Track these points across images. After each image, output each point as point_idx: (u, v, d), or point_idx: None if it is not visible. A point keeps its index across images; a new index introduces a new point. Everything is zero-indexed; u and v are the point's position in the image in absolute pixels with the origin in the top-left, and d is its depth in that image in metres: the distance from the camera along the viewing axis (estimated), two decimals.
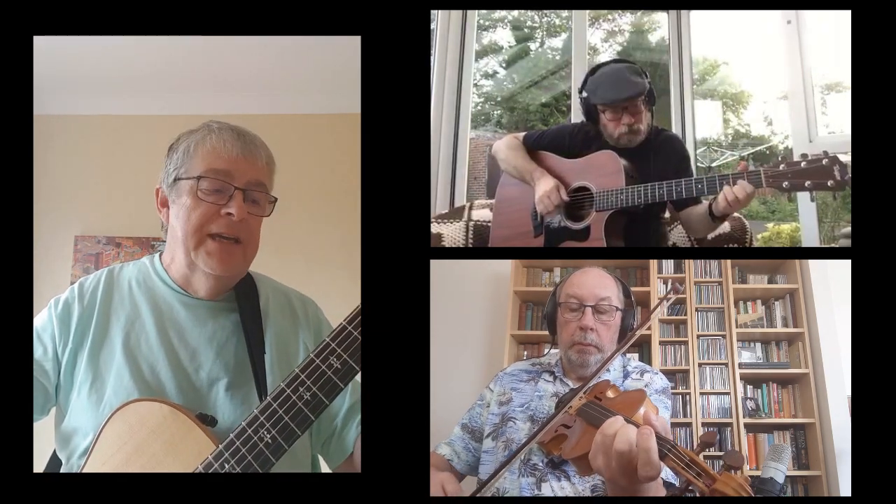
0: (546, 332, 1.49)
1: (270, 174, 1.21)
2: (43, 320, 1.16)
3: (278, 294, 1.27)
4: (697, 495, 0.82)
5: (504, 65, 3.45)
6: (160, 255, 1.24)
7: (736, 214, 1.89)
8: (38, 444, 1.11)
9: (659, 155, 1.69)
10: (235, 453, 0.97)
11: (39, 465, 1.14)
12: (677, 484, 0.94)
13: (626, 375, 1.39)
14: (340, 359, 0.96)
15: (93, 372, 1.13)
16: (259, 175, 1.17)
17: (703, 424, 2.48)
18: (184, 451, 1.01)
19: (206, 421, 1.06)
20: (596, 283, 1.40)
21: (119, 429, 1.05)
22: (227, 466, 0.97)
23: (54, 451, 1.16)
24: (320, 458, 1.26)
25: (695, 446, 0.87)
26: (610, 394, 1.17)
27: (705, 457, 0.88)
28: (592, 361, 1.34)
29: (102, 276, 1.22)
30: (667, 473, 0.99)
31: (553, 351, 1.48)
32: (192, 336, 1.16)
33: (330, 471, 1.24)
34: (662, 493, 0.86)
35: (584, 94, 1.72)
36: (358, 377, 1.00)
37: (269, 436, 0.96)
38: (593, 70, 1.74)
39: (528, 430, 1.32)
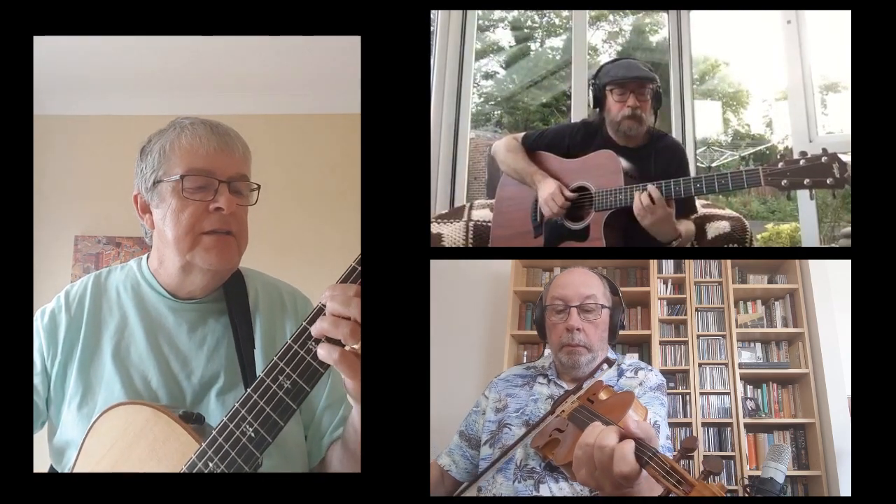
0: None
1: (248, 163, 1.19)
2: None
3: (268, 287, 1.25)
4: None
5: (504, 65, 3.44)
6: (147, 259, 1.21)
7: (735, 214, 1.89)
8: (36, 453, 1.10)
9: (659, 159, 1.69)
10: (219, 450, 0.95)
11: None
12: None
13: (620, 374, 1.38)
14: (319, 342, 0.90)
15: (83, 384, 1.11)
16: (238, 167, 1.15)
17: (704, 424, 2.48)
18: (168, 453, 1.00)
19: (192, 419, 1.04)
20: (580, 281, 1.39)
21: (103, 435, 1.04)
22: (211, 465, 0.95)
23: (52, 466, 1.15)
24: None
25: (675, 453, 0.88)
26: (602, 395, 1.17)
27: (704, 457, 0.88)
28: (583, 362, 1.34)
29: (89, 282, 1.20)
30: None
31: (546, 353, 1.48)
32: (182, 342, 1.14)
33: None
34: (657, 490, 0.85)
35: (595, 80, 1.76)
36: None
37: (251, 429, 0.93)
38: (609, 62, 1.79)
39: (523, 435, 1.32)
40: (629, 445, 0.86)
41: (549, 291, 1.42)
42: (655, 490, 0.86)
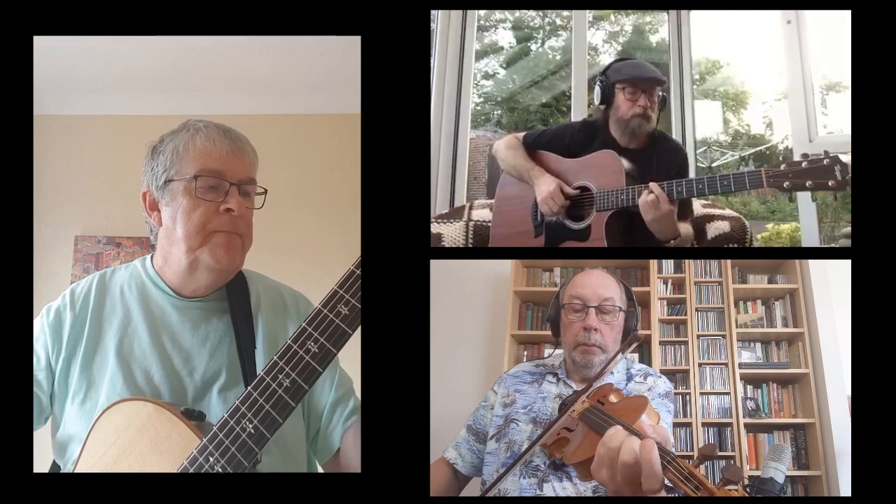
0: (546, 332, 1.49)
1: (256, 168, 1.21)
2: (35, 330, 1.15)
3: (270, 290, 1.27)
4: None
5: (504, 65, 3.45)
6: (151, 258, 1.22)
7: (735, 214, 1.89)
8: (39, 449, 1.11)
9: (662, 162, 1.69)
10: (219, 446, 0.97)
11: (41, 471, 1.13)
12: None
13: (629, 378, 1.39)
14: (318, 343, 0.95)
15: (86, 380, 1.12)
16: (248, 171, 1.17)
17: (704, 424, 2.48)
18: (169, 448, 1.01)
19: (193, 416, 1.05)
20: (599, 283, 1.40)
21: (106, 430, 1.05)
22: (211, 460, 0.97)
23: (54, 460, 1.15)
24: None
25: (694, 458, 0.88)
26: (613, 398, 1.17)
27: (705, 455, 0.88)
28: (596, 362, 1.34)
29: (94, 281, 1.21)
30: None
31: (557, 352, 1.48)
32: (185, 339, 1.16)
33: (321, 468, 1.23)
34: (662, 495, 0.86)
35: (604, 77, 1.74)
36: (356, 374, 1.00)
37: (251, 426, 0.96)
38: (617, 60, 1.78)
39: (530, 431, 1.32)
40: (655, 454, 0.84)
41: (567, 290, 1.43)
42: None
